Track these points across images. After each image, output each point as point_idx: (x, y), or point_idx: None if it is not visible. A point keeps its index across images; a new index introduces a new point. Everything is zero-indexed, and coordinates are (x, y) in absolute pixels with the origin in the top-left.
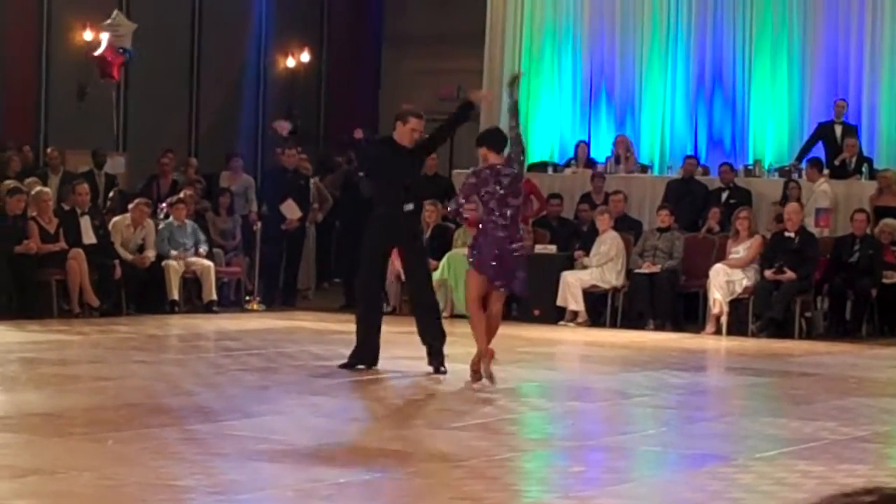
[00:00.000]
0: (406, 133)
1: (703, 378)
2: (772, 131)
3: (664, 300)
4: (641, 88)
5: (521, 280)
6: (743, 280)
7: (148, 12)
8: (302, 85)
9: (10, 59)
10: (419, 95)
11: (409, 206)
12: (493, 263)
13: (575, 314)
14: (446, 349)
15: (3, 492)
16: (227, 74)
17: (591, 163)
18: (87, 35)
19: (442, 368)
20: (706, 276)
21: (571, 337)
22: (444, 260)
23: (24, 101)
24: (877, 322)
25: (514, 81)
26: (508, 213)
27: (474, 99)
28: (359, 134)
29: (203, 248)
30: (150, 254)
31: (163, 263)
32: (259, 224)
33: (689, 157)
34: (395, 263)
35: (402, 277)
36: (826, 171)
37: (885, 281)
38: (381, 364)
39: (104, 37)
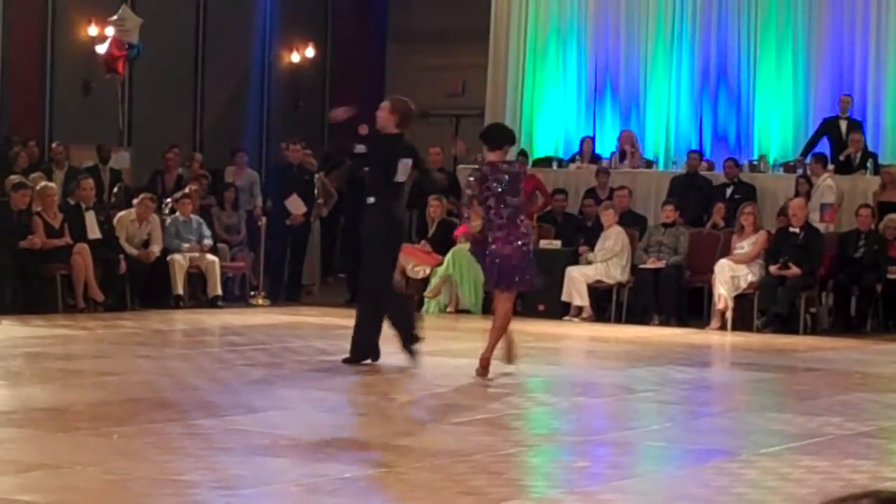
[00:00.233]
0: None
1: (708, 373)
2: (777, 127)
3: (669, 295)
4: (646, 84)
5: (527, 279)
6: (748, 275)
7: (153, 7)
8: (307, 81)
9: (16, 55)
10: (424, 91)
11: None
12: (493, 272)
13: (580, 309)
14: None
15: (7, 486)
16: (231, 70)
17: (595, 158)
18: (92, 30)
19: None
20: (711, 271)
21: (576, 332)
22: (448, 255)
23: (30, 97)
24: (881, 317)
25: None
26: (504, 212)
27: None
28: (364, 130)
29: (207, 242)
30: (155, 249)
31: (168, 258)
32: (264, 219)
33: (692, 151)
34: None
35: (408, 274)
36: (831, 167)
37: (889, 276)
38: (386, 359)
39: (109, 31)
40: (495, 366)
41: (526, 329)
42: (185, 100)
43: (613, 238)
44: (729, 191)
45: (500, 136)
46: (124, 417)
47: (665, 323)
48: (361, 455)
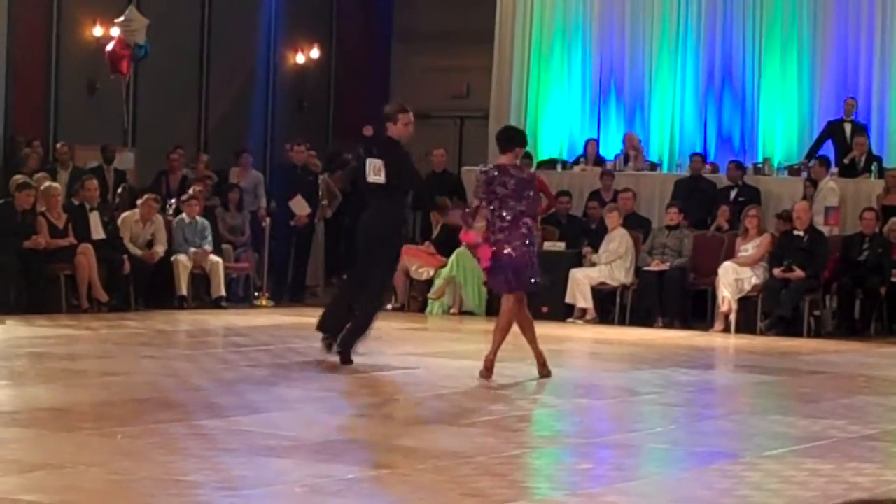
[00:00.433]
0: (402, 130)
1: (712, 376)
2: (781, 129)
3: (673, 298)
4: (651, 86)
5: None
6: (752, 278)
7: (159, 8)
8: (311, 81)
9: (21, 55)
10: (428, 93)
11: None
12: (502, 278)
13: (583, 311)
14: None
15: (11, 486)
16: (236, 70)
17: (600, 160)
18: (98, 30)
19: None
20: (715, 273)
21: (580, 334)
22: (452, 256)
23: (35, 97)
24: (885, 320)
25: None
26: (507, 215)
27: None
28: (368, 131)
29: (207, 247)
30: (159, 249)
31: (172, 259)
32: (268, 220)
33: (694, 154)
34: (405, 260)
35: (412, 275)
36: (834, 169)
37: (894, 279)
38: (390, 360)
39: (114, 32)
40: (498, 367)
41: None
42: (189, 100)
43: (618, 240)
44: (733, 193)
45: (509, 138)
46: (128, 418)
47: (669, 325)
48: (365, 456)
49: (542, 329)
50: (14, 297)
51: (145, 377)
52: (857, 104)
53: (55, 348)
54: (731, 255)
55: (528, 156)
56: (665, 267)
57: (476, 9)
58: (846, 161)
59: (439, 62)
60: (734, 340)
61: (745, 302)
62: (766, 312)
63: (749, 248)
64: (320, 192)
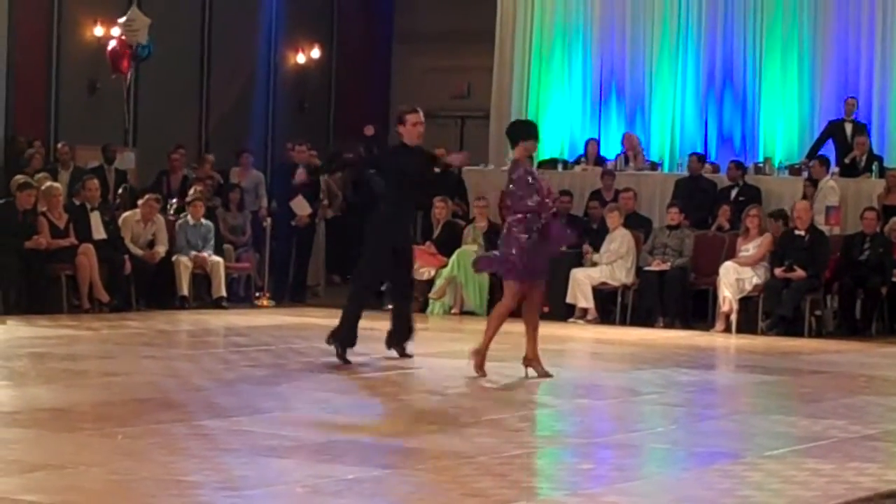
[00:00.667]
0: (411, 130)
1: (713, 376)
2: (782, 129)
3: (674, 298)
4: (652, 86)
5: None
6: (753, 278)
7: (159, 8)
8: (312, 81)
9: (22, 55)
10: (429, 93)
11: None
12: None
13: (584, 311)
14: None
15: (11, 486)
16: (237, 70)
17: (600, 160)
18: (98, 30)
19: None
20: (716, 273)
21: (581, 334)
22: (453, 256)
23: (35, 97)
24: (887, 320)
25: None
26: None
27: (450, 161)
28: (370, 131)
29: (206, 253)
30: (160, 249)
31: (173, 259)
32: (269, 220)
33: (693, 154)
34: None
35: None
36: (835, 169)
37: (895, 279)
38: (391, 360)
39: (115, 32)
40: (499, 367)
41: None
42: (190, 100)
43: (619, 240)
44: (734, 193)
45: (512, 133)
46: (129, 418)
47: (670, 325)
48: (366, 456)
49: (544, 329)
50: (15, 298)
51: (146, 377)
52: (857, 104)
53: (56, 348)
54: (731, 254)
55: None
56: (666, 267)
57: (477, 9)
58: (847, 161)
59: (440, 62)
60: (735, 340)
61: (746, 302)
62: (767, 312)
63: (750, 247)
64: (321, 192)
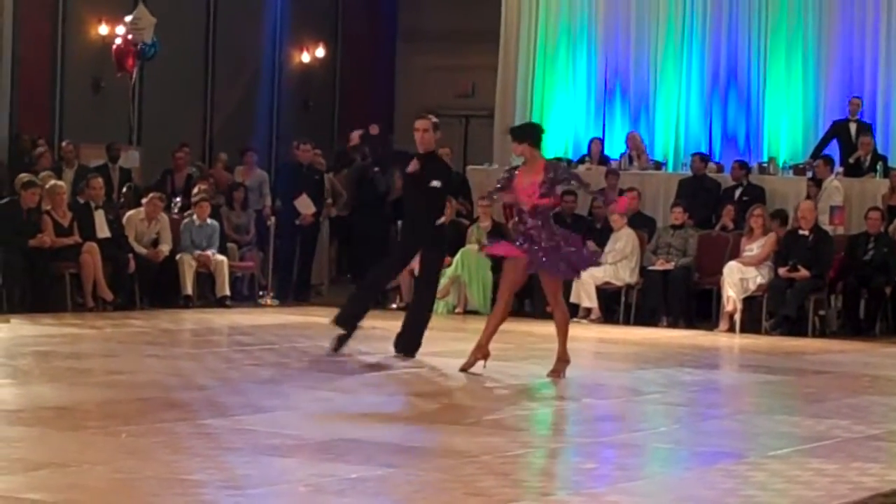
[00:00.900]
0: (416, 138)
1: (716, 375)
2: (786, 129)
3: (677, 297)
4: (656, 86)
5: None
6: (757, 278)
7: (163, 7)
8: (317, 80)
9: (27, 53)
10: (433, 92)
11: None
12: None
13: (588, 311)
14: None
15: (15, 485)
16: (242, 69)
17: (604, 159)
18: (103, 29)
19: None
20: (720, 273)
21: (584, 334)
22: (457, 256)
23: (40, 95)
24: (891, 320)
25: None
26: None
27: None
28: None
29: (210, 252)
30: (164, 248)
31: (177, 258)
32: (273, 219)
33: (695, 154)
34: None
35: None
36: (839, 169)
37: None
38: (394, 359)
39: (120, 30)
40: (501, 367)
41: (534, 330)
42: (195, 99)
43: (624, 240)
44: (738, 193)
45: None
46: (133, 416)
47: (673, 325)
48: (369, 455)
49: (547, 328)
50: (19, 296)
51: (150, 376)
52: (862, 104)
53: (60, 347)
54: (735, 254)
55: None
56: (670, 266)
57: (481, 8)
58: (851, 161)
59: (444, 61)
60: (739, 340)
61: (749, 301)
62: (770, 312)
63: (754, 247)
64: (325, 191)
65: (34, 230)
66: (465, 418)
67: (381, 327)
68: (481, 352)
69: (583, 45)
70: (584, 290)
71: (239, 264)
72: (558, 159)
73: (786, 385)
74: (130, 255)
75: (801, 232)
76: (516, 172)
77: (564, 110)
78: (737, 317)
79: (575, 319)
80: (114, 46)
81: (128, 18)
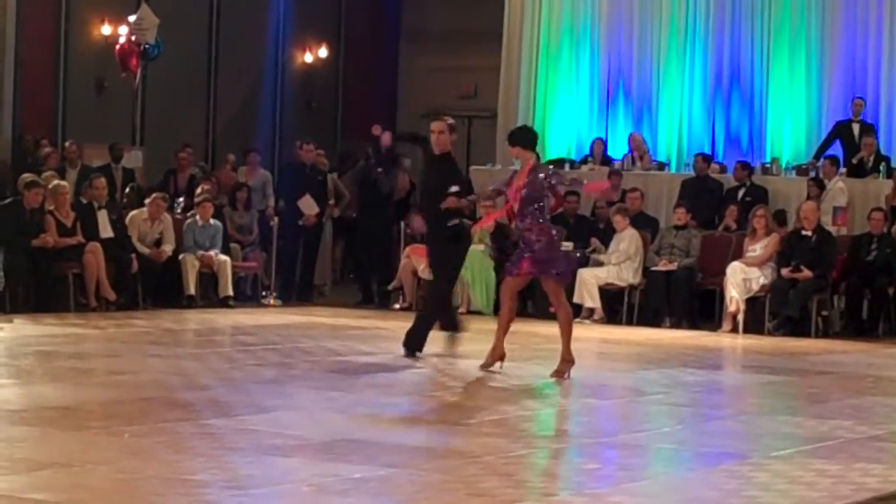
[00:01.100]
0: (433, 140)
1: (719, 376)
2: (789, 129)
3: (680, 298)
4: (659, 86)
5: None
6: (760, 278)
7: (167, 7)
8: (320, 81)
9: (29, 53)
10: (436, 92)
11: (454, 221)
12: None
13: (591, 311)
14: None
15: (19, 485)
16: (245, 70)
17: (607, 160)
18: (106, 29)
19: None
20: (723, 273)
21: (587, 334)
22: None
23: (43, 95)
24: (893, 321)
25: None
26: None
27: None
28: (377, 130)
29: (212, 252)
30: (167, 248)
31: (180, 258)
32: (276, 219)
33: (698, 154)
34: (413, 259)
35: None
36: (843, 169)
37: None
38: (397, 359)
39: (123, 31)
40: (508, 367)
41: (537, 330)
42: (198, 99)
43: (627, 240)
44: (741, 193)
45: (531, 138)
46: (136, 416)
47: (676, 325)
48: (371, 455)
49: (550, 329)
50: (22, 296)
51: (153, 376)
52: (865, 104)
53: (63, 347)
54: (738, 255)
55: (535, 155)
56: (673, 267)
57: (484, 9)
58: (854, 161)
59: (447, 62)
60: (742, 340)
61: (752, 302)
62: (773, 312)
63: (757, 248)
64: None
65: (37, 230)
66: (468, 419)
67: (385, 328)
68: (497, 353)
69: (586, 45)
70: (587, 291)
71: (242, 264)
72: (560, 160)
73: (789, 386)
74: (133, 256)
75: (804, 232)
76: (513, 176)
77: (567, 111)
78: (740, 317)
79: (578, 320)
80: (117, 47)
81: (131, 19)
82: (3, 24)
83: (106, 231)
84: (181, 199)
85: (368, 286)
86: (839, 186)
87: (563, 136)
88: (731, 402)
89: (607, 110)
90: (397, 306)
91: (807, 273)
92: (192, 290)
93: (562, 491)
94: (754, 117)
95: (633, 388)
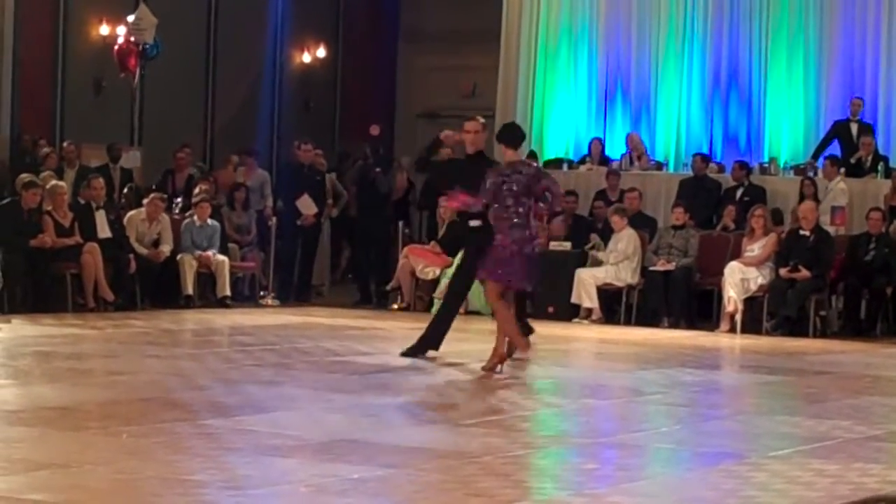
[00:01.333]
0: (467, 140)
1: (717, 376)
2: (787, 129)
3: (679, 298)
4: (657, 86)
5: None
6: (758, 278)
7: (165, 7)
8: (318, 81)
9: (27, 53)
10: (435, 92)
11: (476, 223)
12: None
13: (589, 311)
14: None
15: (17, 485)
16: (243, 69)
17: (605, 160)
18: (104, 29)
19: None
20: (721, 273)
21: (585, 334)
22: (458, 256)
23: (41, 95)
24: (891, 321)
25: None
26: (521, 210)
27: (443, 138)
28: (375, 130)
29: (210, 252)
30: (165, 248)
31: (178, 258)
32: (274, 219)
33: (696, 154)
34: (411, 259)
35: (418, 275)
36: (842, 169)
37: None
38: (395, 360)
39: (121, 31)
40: (506, 367)
41: (536, 331)
42: (196, 99)
43: (625, 240)
44: (739, 193)
45: (520, 135)
46: (134, 417)
47: (674, 325)
48: (370, 456)
49: (548, 328)
50: (20, 296)
51: (151, 376)
52: (863, 104)
53: (61, 347)
54: (737, 254)
55: (533, 155)
56: (671, 267)
57: (482, 8)
58: (853, 161)
59: (446, 62)
60: (740, 340)
61: (750, 302)
62: (771, 312)
63: (755, 248)
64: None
65: (35, 230)
66: (466, 419)
67: (383, 328)
68: (498, 356)
69: (584, 45)
70: (585, 291)
71: (240, 265)
72: (558, 160)
73: (787, 386)
74: (131, 256)
75: (802, 232)
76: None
77: (565, 110)
78: (738, 317)
79: (576, 320)
80: (116, 47)
81: (130, 19)
82: (1, 24)
83: (104, 231)
84: (179, 200)
85: (367, 286)
86: (840, 187)
87: (561, 136)
88: (729, 402)
89: (605, 110)
90: (395, 306)
91: (805, 273)
92: (190, 291)
93: (560, 491)
94: (752, 117)
95: (631, 388)
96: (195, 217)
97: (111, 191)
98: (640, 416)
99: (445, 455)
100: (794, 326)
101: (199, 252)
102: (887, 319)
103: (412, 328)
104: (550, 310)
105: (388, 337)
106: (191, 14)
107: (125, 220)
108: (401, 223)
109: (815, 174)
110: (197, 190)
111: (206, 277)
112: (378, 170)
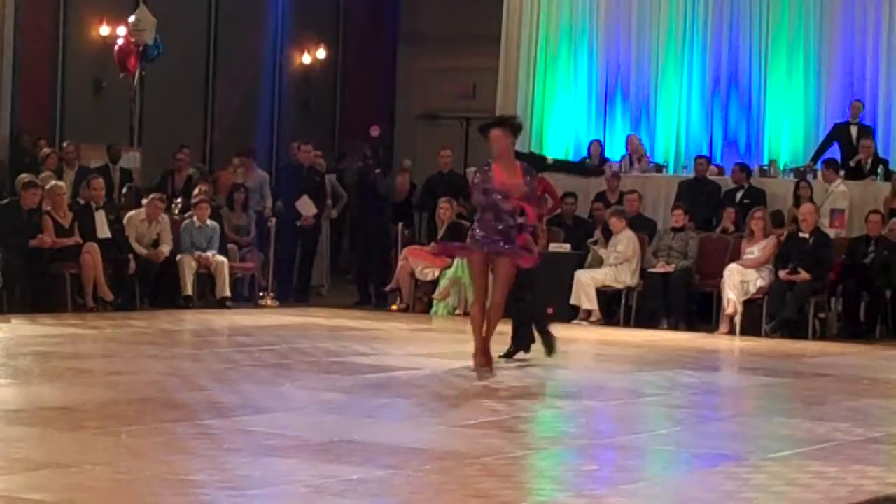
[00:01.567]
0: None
1: (717, 378)
2: (787, 132)
3: (678, 300)
4: (657, 88)
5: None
6: (757, 280)
7: (165, 8)
8: (318, 82)
9: (27, 54)
10: (435, 94)
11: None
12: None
13: (588, 313)
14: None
15: (16, 485)
16: (243, 70)
17: (604, 162)
18: (104, 30)
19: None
20: (720, 275)
21: (585, 336)
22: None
23: (41, 96)
24: (891, 323)
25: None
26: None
27: None
28: (375, 132)
29: (209, 253)
30: (165, 249)
31: (177, 258)
32: (274, 220)
33: (699, 157)
34: (410, 260)
35: (417, 276)
36: (842, 172)
37: None
38: (394, 360)
39: (121, 31)
40: (505, 367)
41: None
42: (196, 100)
43: (625, 242)
44: (739, 195)
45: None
46: (133, 417)
47: (674, 327)
48: (369, 456)
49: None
50: (19, 296)
51: (150, 376)
52: (863, 106)
53: (60, 347)
54: (736, 257)
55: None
56: (670, 269)
57: (482, 10)
58: (852, 164)
59: (445, 63)
60: (739, 342)
61: (750, 304)
62: (771, 315)
63: (755, 250)
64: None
65: (35, 230)
66: (466, 420)
67: (382, 329)
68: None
69: (584, 47)
70: (585, 293)
71: (239, 265)
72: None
73: (786, 387)
74: (131, 256)
75: (801, 234)
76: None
77: (565, 112)
78: (737, 319)
79: (575, 322)
80: (116, 47)
81: (130, 19)
82: (1, 24)
83: (103, 231)
84: (179, 200)
85: (366, 287)
86: (841, 190)
87: (560, 138)
88: (728, 404)
89: (605, 112)
90: (394, 307)
91: (804, 275)
92: (189, 291)
93: (559, 492)
94: (752, 119)
95: (630, 390)
96: (195, 218)
97: (111, 191)
98: (640, 417)
99: (444, 456)
100: (793, 328)
101: (198, 253)
102: (886, 322)
103: (411, 329)
104: (550, 311)
105: (387, 338)
106: (191, 14)
107: (125, 220)
108: (400, 224)
109: (815, 177)
110: (196, 191)
111: (206, 278)
112: (378, 171)
